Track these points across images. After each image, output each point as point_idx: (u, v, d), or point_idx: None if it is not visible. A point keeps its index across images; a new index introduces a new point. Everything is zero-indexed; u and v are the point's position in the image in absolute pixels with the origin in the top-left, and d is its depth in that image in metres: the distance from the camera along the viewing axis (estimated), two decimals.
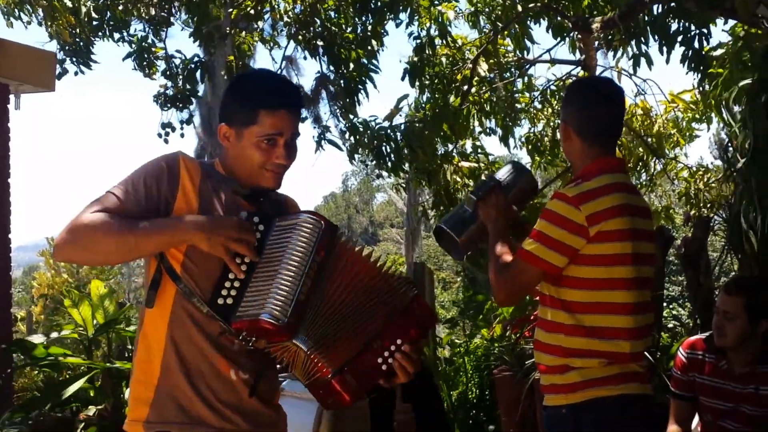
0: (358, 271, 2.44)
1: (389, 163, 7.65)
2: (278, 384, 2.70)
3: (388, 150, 7.62)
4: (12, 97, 8.00)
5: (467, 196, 3.36)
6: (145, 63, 8.72)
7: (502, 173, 3.41)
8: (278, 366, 2.54)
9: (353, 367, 2.34)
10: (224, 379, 2.46)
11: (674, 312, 8.40)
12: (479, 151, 8.73)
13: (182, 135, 9.02)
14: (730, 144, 4.92)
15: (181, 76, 8.53)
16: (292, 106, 2.56)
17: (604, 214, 2.96)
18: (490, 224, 3.23)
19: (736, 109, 5.27)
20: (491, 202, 3.25)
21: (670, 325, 7.70)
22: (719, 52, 5.90)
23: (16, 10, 8.48)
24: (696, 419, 4.10)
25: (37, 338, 8.01)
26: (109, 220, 2.38)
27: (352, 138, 7.76)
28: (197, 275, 2.45)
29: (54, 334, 8.20)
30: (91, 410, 6.86)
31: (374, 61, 7.93)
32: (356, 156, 8.00)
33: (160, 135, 8.90)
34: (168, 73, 8.65)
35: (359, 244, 2.48)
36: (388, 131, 7.69)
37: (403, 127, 7.80)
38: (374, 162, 7.72)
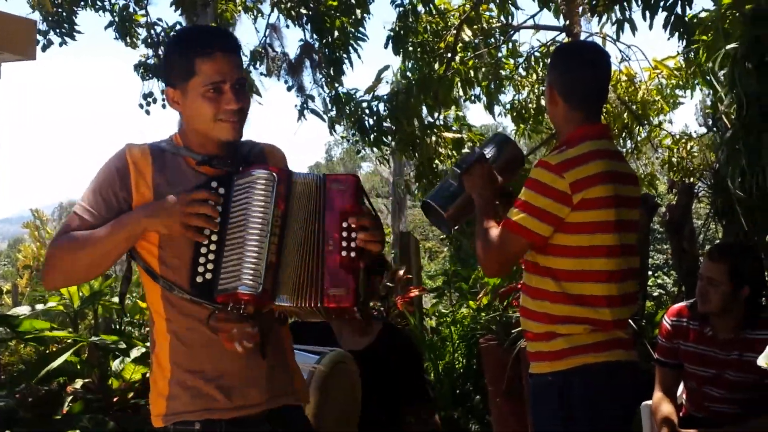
0: (299, 198, 2.44)
1: (371, 137, 7.60)
2: (289, 342, 2.70)
3: (370, 123, 7.58)
4: None
5: (451, 169, 3.34)
6: (125, 32, 8.62)
7: (487, 145, 3.40)
8: (284, 319, 2.59)
9: (330, 279, 2.35)
10: (231, 355, 2.45)
11: (659, 281, 8.42)
12: (462, 121, 8.69)
13: (164, 106, 8.95)
14: (716, 110, 4.90)
15: (163, 45, 8.44)
16: (227, 49, 2.51)
17: (587, 181, 2.96)
18: (475, 196, 3.22)
19: (721, 74, 5.24)
20: (476, 174, 3.23)
21: (656, 294, 7.73)
22: (703, 15, 5.87)
23: None
24: (681, 386, 4.13)
25: (23, 310, 7.98)
26: (73, 240, 2.44)
27: (334, 108, 7.71)
28: (174, 264, 2.46)
29: (39, 306, 8.17)
30: (78, 383, 6.84)
31: (361, 29, 7.86)
32: (338, 128, 7.95)
33: (141, 106, 8.85)
34: (149, 41, 8.56)
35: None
36: (370, 103, 7.64)
37: (386, 97, 7.74)
38: (356, 136, 7.67)
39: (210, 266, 2.36)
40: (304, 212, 2.41)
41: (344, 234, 2.38)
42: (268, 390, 2.54)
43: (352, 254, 2.37)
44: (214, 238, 2.37)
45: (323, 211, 2.41)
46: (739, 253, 3.90)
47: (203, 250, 2.38)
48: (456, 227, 3.42)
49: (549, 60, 3.34)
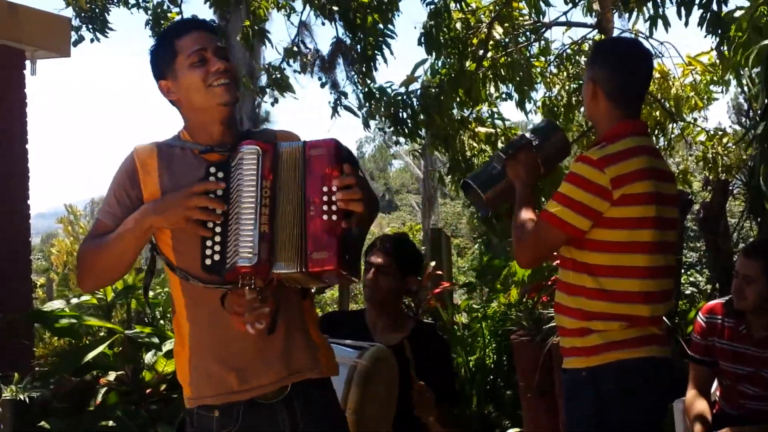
0: (285, 168, 2.48)
1: (406, 129, 7.61)
2: (311, 315, 2.74)
3: (405, 116, 7.58)
4: (28, 62, 8.00)
5: (496, 153, 3.34)
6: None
7: (535, 132, 3.37)
8: (306, 292, 2.67)
9: (312, 244, 2.39)
10: (244, 337, 2.50)
11: (692, 278, 8.34)
12: (496, 116, 8.67)
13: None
14: (749, 107, 4.87)
15: None
16: (200, 27, 2.65)
17: (629, 177, 2.96)
18: (518, 183, 3.22)
19: (755, 70, 5.21)
20: (521, 161, 3.23)
21: (688, 292, 7.67)
22: (738, 14, 5.82)
23: None
24: (715, 384, 4.11)
25: (57, 304, 8.07)
26: (95, 245, 2.59)
27: (368, 104, 7.71)
28: (188, 252, 2.54)
29: (74, 300, 8.26)
30: (111, 375, 6.92)
31: (390, 26, 7.86)
32: (373, 122, 7.95)
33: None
34: None
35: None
36: (405, 97, 7.64)
37: (419, 92, 7.75)
38: (391, 128, 7.68)
39: (217, 248, 2.43)
40: (290, 180, 2.46)
41: (324, 198, 2.41)
42: (285, 368, 2.59)
43: (333, 217, 2.39)
44: (218, 230, 2.44)
45: (304, 177, 2.45)
46: None
47: (209, 233, 2.45)
48: (491, 210, 3.41)
49: (591, 55, 3.34)
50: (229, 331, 2.52)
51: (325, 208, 2.40)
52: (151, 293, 8.36)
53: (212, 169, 2.48)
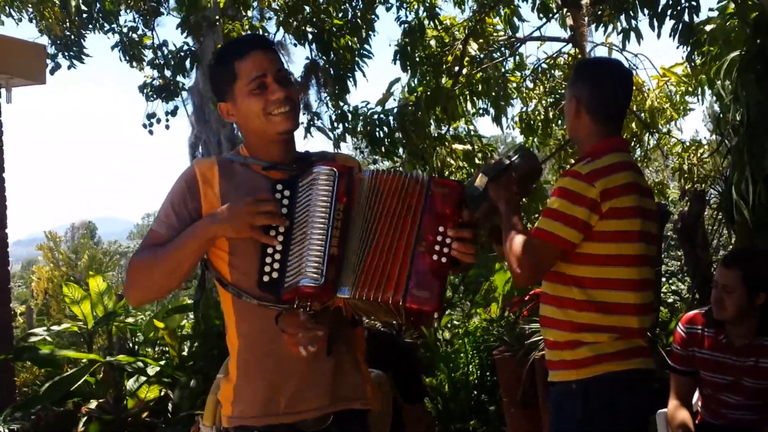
0: (378, 194, 2.41)
1: (383, 148, 7.63)
2: (361, 347, 2.68)
3: (382, 135, 7.60)
4: (3, 90, 7.97)
5: (478, 174, 3.33)
6: (132, 53, 8.66)
7: (511, 155, 3.37)
8: (357, 321, 2.58)
9: (416, 279, 2.32)
10: (295, 359, 2.46)
11: (673, 287, 8.39)
12: (473, 133, 8.71)
13: (167, 127, 9.00)
14: (722, 117, 4.91)
15: (169, 66, 8.49)
16: (260, 47, 2.58)
17: (617, 190, 3.02)
18: (502, 205, 3.21)
19: (727, 82, 5.25)
20: (503, 183, 3.24)
21: (670, 300, 7.70)
22: (709, 27, 5.87)
23: (6, 8, 8.45)
24: (696, 394, 4.11)
25: (38, 332, 8.01)
26: (149, 255, 2.52)
27: (340, 126, 7.74)
28: (244, 267, 2.49)
29: (55, 328, 8.21)
30: (93, 403, 6.87)
31: (366, 47, 7.89)
32: (348, 142, 7.97)
33: (144, 126, 8.90)
34: (155, 63, 8.60)
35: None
36: (381, 116, 7.66)
37: (395, 110, 7.77)
38: (368, 148, 7.70)
39: (276, 266, 2.37)
40: (389, 208, 2.38)
41: (438, 238, 2.35)
42: (332, 395, 2.53)
43: (443, 260, 2.34)
44: (280, 239, 2.39)
45: (422, 212, 2.37)
46: (754, 260, 3.89)
47: (270, 250, 2.39)
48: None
49: (573, 73, 3.36)
50: (279, 352, 2.47)
51: (437, 248, 2.34)
52: (131, 319, 8.33)
53: (279, 186, 2.44)
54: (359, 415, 2.62)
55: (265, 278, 2.38)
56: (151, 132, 8.95)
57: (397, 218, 2.38)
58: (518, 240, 3.10)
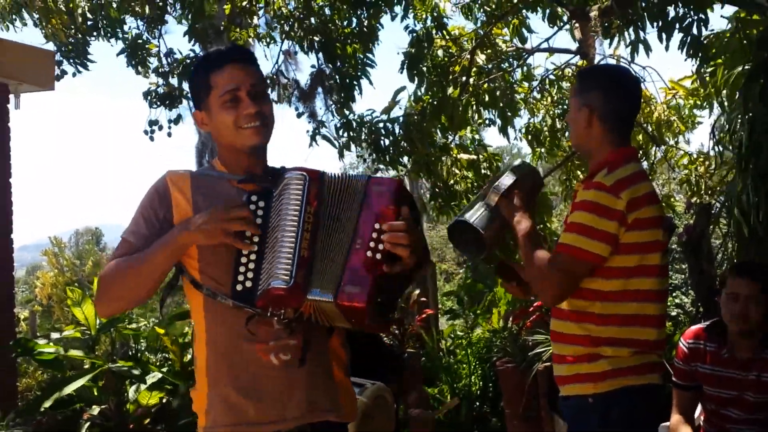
0: (342, 198, 2.41)
1: (387, 157, 7.62)
2: (338, 355, 2.63)
3: (386, 143, 7.60)
4: (12, 96, 7.98)
5: (488, 191, 3.24)
6: (137, 61, 8.68)
7: (514, 170, 3.29)
8: (331, 329, 2.53)
9: (349, 276, 2.30)
10: (267, 366, 2.43)
11: (677, 300, 8.36)
12: (478, 143, 8.70)
13: (169, 134, 9.00)
14: (728, 130, 4.89)
15: (174, 74, 8.51)
16: (238, 60, 2.57)
17: (641, 200, 2.97)
18: (517, 220, 3.15)
19: (735, 94, 5.24)
20: (514, 198, 3.18)
21: (674, 314, 7.66)
22: (717, 37, 5.87)
23: (12, 15, 8.48)
24: (698, 408, 4.09)
25: (41, 340, 8.00)
26: (120, 264, 2.50)
27: (345, 134, 7.74)
28: (216, 273, 2.47)
29: (55, 335, 8.20)
30: (95, 410, 6.85)
31: (369, 56, 7.89)
32: (352, 151, 7.96)
33: (146, 132, 8.91)
34: (160, 71, 8.62)
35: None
36: (386, 124, 7.66)
37: (401, 119, 7.77)
38: (372, 156, 7.69)
39: (250, 275, 2.36)
40: (340, 210, 2.39)
41: (374, 235, 2.33)
42: (306, 404, 2.48)
43: (378, 255, 2.31)
44: (254, 248, 2.37)
45: (360, 210, 2.37)
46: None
47: (243, 260, 2.38)
48: (486, 252, 3.31)
49: (583, 81, 3.25)
50: (251, 358, 2.45)
51: (371, 244, 2.32)
52: (134, 325, 8.32)
53: (254, 197, 2.43)
54: (338, 429, 2.59)
55: (239, 287, 2.36)
56: (152, 139, 8.96)
57: (344, 219, 2.38)
58: (541, 258, 3.03)
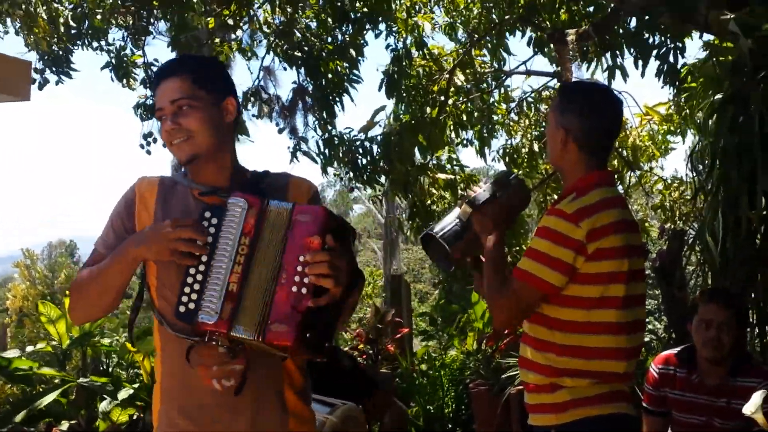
0: (274, 228, 2.32)
1: (365, 176, 7.62)
2: (291, 379, 2.56)
3: (364, 162, 7.61)
4: None
5: (462, 204, 3.15)
6: (122, 73, 8.66)
7: (496, 182, 3.19)
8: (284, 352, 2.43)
9: (275, 314, 2.22)
10: (211, 392, 2.36)
11: (650, 326, 8.38)
12: (455, 163, 8.72)
13: (164, 145, 8.93)
14: (699, 157, 4.91)
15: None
16: (165, 76, 2.53)
17: (602, 230, 2.84)
18: (485, 237, 3.06)
19: (708, 122, 5.29)
20: (488, 214, 3.08)
21: (646, 339, 7.70)
22: (694, 66, 5.94)
23: None
24: None
25: (11, 352, 7.93)
26: (85, 274, 2.52)
27: (327, 151, 7.74)
28: (166, 295, 2.44)
29: (29, 348, 8.14)
30: (65, 425, 6.80)
31: (355, 71, 7.91)
32: (331, 169, 7.96)
33: (142, 146, 8.87)
34: (147, 82, 8.60)
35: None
36: (364, 143, 7.67)
37: (379, 138, 7.78)
38: (349, 175, 7.69)
39: (194, 296, 2.30)
40: (272, 242, 2.31)
41: (298, 268, 2.24)
42: (251, 430, 2.45)
43: (303, 290, 2.23)
44: (201, 268, 2.32)
45: (285, 241, 2.29)
46: (740, 299, 3.93)
47: (189, 280, 2.32)
48: (454, 266, 3.27)
49: (561, 100, 3.10)
50: (196, 384, 2.38)
51: (296, 279, 2.24)
52: (107, 340, 8.26)
53: (207, 213, 2.38)
54: None
55: (182, 308, 2.30)
56: (149, 152, 8.92)
57: (270, 251, 2.30)
58: (499, 279, 2.96)
